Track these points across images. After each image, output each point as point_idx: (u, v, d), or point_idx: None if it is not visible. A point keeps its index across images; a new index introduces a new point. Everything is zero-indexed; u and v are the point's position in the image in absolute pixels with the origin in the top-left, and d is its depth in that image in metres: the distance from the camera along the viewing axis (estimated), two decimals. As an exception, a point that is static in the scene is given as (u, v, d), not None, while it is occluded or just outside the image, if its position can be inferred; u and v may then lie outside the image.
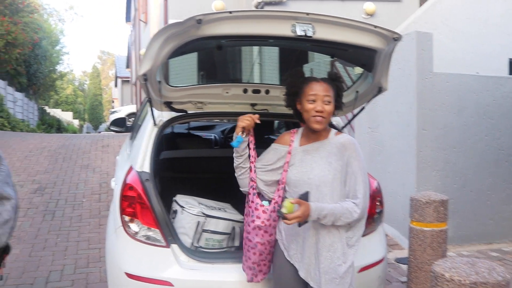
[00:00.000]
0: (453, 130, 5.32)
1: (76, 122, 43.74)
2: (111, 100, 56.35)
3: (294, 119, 2.54)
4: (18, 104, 20.77)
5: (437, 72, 5.24)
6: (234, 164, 2.49)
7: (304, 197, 2.17)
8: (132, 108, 20.65)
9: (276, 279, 2.46)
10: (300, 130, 2.50)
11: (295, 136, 2.47)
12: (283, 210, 2.07)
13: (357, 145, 2.35)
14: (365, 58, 2.59)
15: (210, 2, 8.91)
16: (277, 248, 2.46)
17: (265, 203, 2.45)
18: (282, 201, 2.25)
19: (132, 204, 2.71)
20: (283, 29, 2.18)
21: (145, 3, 16.02)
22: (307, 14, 2.15)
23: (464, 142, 5.38)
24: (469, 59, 6.92)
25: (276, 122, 4.68)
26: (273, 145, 2.51)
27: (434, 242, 3.63)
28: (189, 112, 3.00)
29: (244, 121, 2.38)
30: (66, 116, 39.15)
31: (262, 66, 7.98)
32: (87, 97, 55.72)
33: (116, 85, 43.78)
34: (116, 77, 40.37)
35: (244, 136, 2.40)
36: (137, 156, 2.92)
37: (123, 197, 2.74)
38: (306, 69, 6.36)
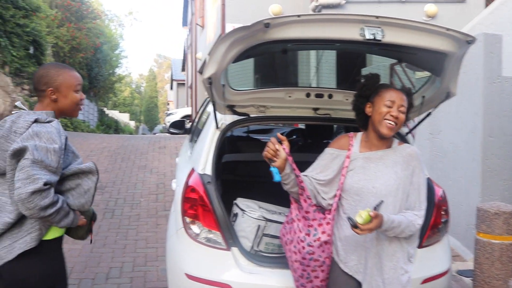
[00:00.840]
0: (523, 137, 5.04)
1: (132, 124, 45.16)
2: (166, 102, 57.81)
3: (355, 125, 2.48)
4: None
5: (506, 76, 4.98)
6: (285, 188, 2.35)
7: (378, 206, 2.14)
8: (187, 111, 21.08)
9: None
10: (359, 135, 2.42)
11: (354, 141, 2.40)
12: (359, 220, 2.00)
13: (420, 156, 2.32)
14: (435, 62, 2.50)
15: (267, 6, 8.92)
16: (331, 260, 2.37)
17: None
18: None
19: (193, 206, 2.74)
20: (351, 33, 2.14)
21: (202, 8, 16.31)
22: (377, 17, 2.09)
23: (534, 150, 5.09)
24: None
25: (335, 127, 4.61)
26: (329, 150, 2.43)
27: (504, 256, 3.45)
28: (251, 115, 3.01)
29: (265, 152, 2.23)
30: (123, 118, 40.49)
31: (319, 70, 7.91)
32: (143, 99, 57.49)
33: (171, 88, 44.85)
34: (172, 80, 41.35)
35: (274, 165, 2.22)
36: (199, 158, 2.95)
37: (185, 199, 2.78)
38: (365, 73, 6.24)
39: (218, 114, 2.94)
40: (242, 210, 2.87)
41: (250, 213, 2.84)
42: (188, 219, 2.75)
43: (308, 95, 2.99)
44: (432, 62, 2.54)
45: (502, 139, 4.98)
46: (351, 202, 2.27)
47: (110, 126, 27.53)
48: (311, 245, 2.30)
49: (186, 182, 2.84)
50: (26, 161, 1.89)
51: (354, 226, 2.01)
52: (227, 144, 4.09)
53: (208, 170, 2.84)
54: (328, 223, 2.32)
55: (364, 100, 2.34)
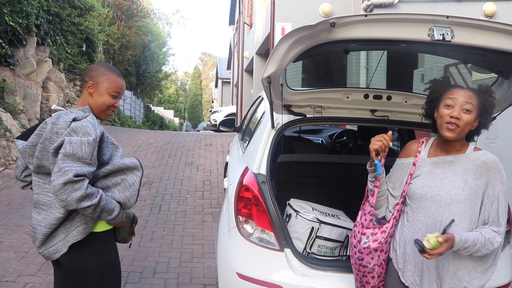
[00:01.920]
0: None
1: (176, 120, 45.95)
2: (210, 100, 58.52)
3: (414, 127, 2.39)
4: (127, 102, 22.25)
5: None
6: (369, 187, 2.31)
7: (448, 227, 1.97)
8: (232, 109, 21.22)
9: None
10: (431, 140, 2.29)
11: (423, 146, 2.27)
12: (427, 245, 1.89)
13: (501, 165, 2.10)
14: (505, 63, 2.38)
15: (317, 6, 8.84)
16: (390, 268, 2.29)
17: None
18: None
19: (247, 205, 2.73)
20: (419, 33, 2.06)
21: (251, 7, 16.36)
22: (447, 17, 2.00)
23: None
24: None
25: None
26: (397, 161, 2.33)
27: None
28: (307, 116, 2.97)
29: (377, 143, 2.17)
30: (168, 114, 41.27)
31: (369, 70, 7.76)
32: (188, 97, 58.31)
33: (216, 86, 45.36)
34: (217, 78, 41.81)
35: (380, 158, 2.19)
36: (254, 157, 2.94)
37: (239, 198, 2.77)
38: (417, 75, 6.07)
39: (274, 114, 2.92)
40: (295, 211, 2.84)
41: (304, 214, 2.81)
42: (241, 218, 2.75)
43: (366, 96, 2.92)
44: (501, 64, 2.42)
45: None
46: (414, 209, 2.17)
47: (155, 122, 28.11)
48: (361, 252, 2.27)
49: (240, 181, 2.84)
50: (60, 155, 1.98)
51: (422, 251, 1.90)
52: (281, 144, 4.07)
53: (263, 170, 2.82)
54: (383, 232, 2.25)
55: (432, 105, 2.21)
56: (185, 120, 53.73)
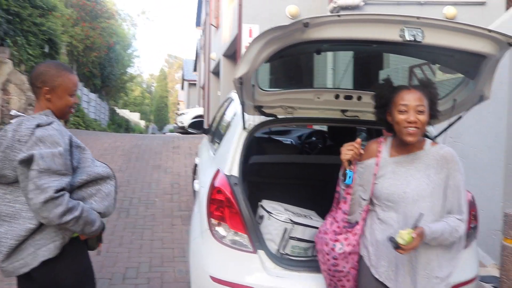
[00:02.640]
0: (547, 142, 4.95)
1: (142, 123, 45.36)
2: (176, 102, 58.00)
3: (383, 127, 2.42)
4: (92, 105, 21.80)
5: (531, 81, 4.89)
6: (342, 194, 2.33)
7: (418, 221, 2.04)
8: (199, 111, 21.10)
9: None
10: (389, 139, 2.34)
11: (383, 146, 2.31)
12: (401, 242, 1.96)
13: (457, 157, 2.21)
14: (471, 64, 2.44)
15: (283, 7, 8.89)
16: (362, 265, 2.32)
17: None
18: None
19: (220, 207, 2.70)
20: (391, 34, 2.09)
21: (217, 8, 16.30)
22: (418, 18, 2.04)
23: (558, 156, 4.99)
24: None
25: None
26: (359, 165, 2.34)
27: (531, 263, 3.37)
28: (279, 116, 2.97)
29: (348, 152, 2.19)
30: (133, 117, 40.70)
31: (335, 71, 7.86)
32: (154, 99, 57.68)
33: (182, 88, 45.02)
34: (183, 80, 41.50)
35: (352, 167, 2.22)
36: (225, 159, 2.92)
37: (211, 200, 2.74)
38: (382, 76, 6.17)
39: (245, 115, 2.90)
40: (268, 212, 2.83)
41: (276, 216, 2.80)
42: (214, 221, 2.72)
43: (337, 96, 2.94)
44: (468, 64, 2.48)
45: (526, 144, 4.89)
46: (384, 208, 2.22)
47: (121, 125, 27.67)
48: (336, 258, 2.30)
49: (212, 184, 2.81)
50: (33, 172, 1.90)
51: (397, 247, 1.97)
52: (253, 145, 4.06)
53: (235, 171, 2.80)
54: (355, 234, 2.30)
55: (383, 110, 2.26)
56: (151, 123, 53.10)
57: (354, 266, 2.31)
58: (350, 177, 2.20)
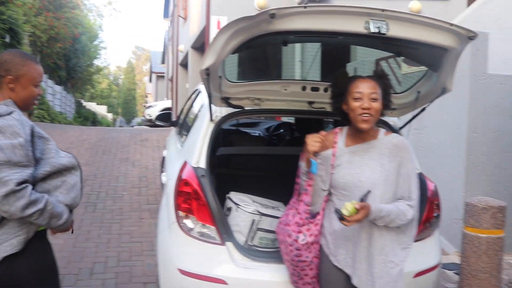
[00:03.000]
0: (506, 134, 5.12)
1: (110, 116, 44.58)
2: (144, 95, 57.23)
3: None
4: (57, 97, 21.28)
5: (491, 74, 5.05)
6: (303, 185, 2.37)
7: (365, 197, 2.12)
8: (167, 103, 20.87)
9: (324, 285, 2.39)
10: (345, 129, 2.38)
11: (339, 137, 2.36)
12: (345, 212, 2.00)
13: (410, 146, 2.28)
14: (434, 57, 2.49)
15: (252, -1, 8.88)
16: (322, 254, 2.37)
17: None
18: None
19: (187, 200, 2.69)
20: (356, 26, 2.11)
21: (185, 0, 16.12)
22: (382, 10, 2.07)
23: (517, 147, 5.18)
24: (521, 61, 6.67)
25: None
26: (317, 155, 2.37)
27: (490, 249, 3.49)
28: (246, 108, 2.96)
29: (315, 144, 2.22)
30: (100, 110, 39.93)
31: (303, 63, 7.90)
32: (121, 92, 56.72)
33: (150, 80, 44.44)
34: (151, 72, 40.98)
35: (317, 158, 2.26)
36: (193, 151, 2.90)
37: (179, 193, 2.72)
38: (349, 69, 6.24)
39: (212, 107, 2.89)
40: (236, 204, 2.83)
41: (244, 207, 2.80)
42: (181, 213, 2.70)
43: (304, 88, 2.96)
44: (431, 57, 2.53)
45: (486, 136, 5.05)
46: (340, 197, 2.26)
47: (87, 118, 27.11)
48: (299, 249, 2.33)
49: (180, 176, 2.79)
50: None
51: (341, 218, 2.01)
52: (220, 137, 4.04)
53: (202, 163, 2.79)
54: (316, 224, 2.33)
55: (339, 100, 2.30)
56: (119, 116, 52.25)
57: (316, 255, 2.35)
58: (316, 166, 2.22)
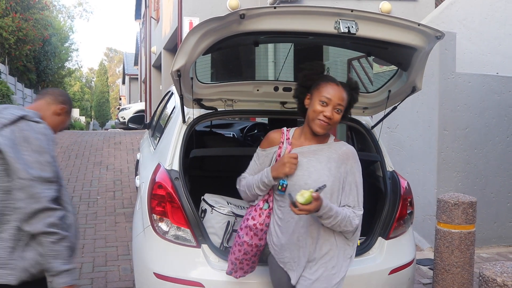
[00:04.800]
0: (475, 131, 5.26)
1: (82, 119, 43.81)
2: (118, 97, 56.52)
3: None
4: (27, 101, 20.77)
5: (459, 72, 5.17)
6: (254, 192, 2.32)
7: (320, 189, 2.04)
8: (141, 106, 20.63)
9: (273, 280, 2.40)
10: (293, 130, 2.32)
11: (285, 136, 2.29)
12: (300, 199, 1.91)
13: (357, 156, 2.23)
14: (403, 56, 2.54)
15: (224, 0, 8.86)
16: (270, 260, 2.37)
17: (265, 206, 2.31)
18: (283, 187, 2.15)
19: (161, 202, 2.67)
20: (326, 26, 2.12)
21: (157, 0, 15.97)
22: (352, 10, 2.09)
23: (485, 143, 5.32)
24: (487, 60, 6.83)
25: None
26: (261, 151, 2.35)
27: (462, 244, 3.58)
28: (218, 109, 2.96)
29: (293, 168, 2.15)
30: (73, 113, 39.19)
31: (276, 64, 7.91)
32: (94, 94, 55.80)
33: (123, 83, 43.92)
34: (124, 75, 40.46)
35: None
36: (166, 154, 2.88)
37: (152, 196, 2.70)
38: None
39: (185, 108, 2.87)
40: (210, 206, 2.82)
41: (219, 209, 2.79)
42: (155, 217, 2.68)
43: (276, 88, 2.96)
44: (401, 57, 2.58)
45: (456, 133, 5.17)
46: (284, 198, 2.19)
47: (59, 122, 26.54)
48: (243, 222, 2.34)
49: (153, 179, 2.76)
50: (24, 181, 1.81)
51: (294, 204, 1.94)
52: (193, 139, 4.01)
53: (176, 166, 2.77)
54: (260, 215, 2.30)
55: (304, 90, 2.23)
56: (92, 119, 51.43)
57: (249, 243, 2.31)
58: (284, 186, 2.16)
